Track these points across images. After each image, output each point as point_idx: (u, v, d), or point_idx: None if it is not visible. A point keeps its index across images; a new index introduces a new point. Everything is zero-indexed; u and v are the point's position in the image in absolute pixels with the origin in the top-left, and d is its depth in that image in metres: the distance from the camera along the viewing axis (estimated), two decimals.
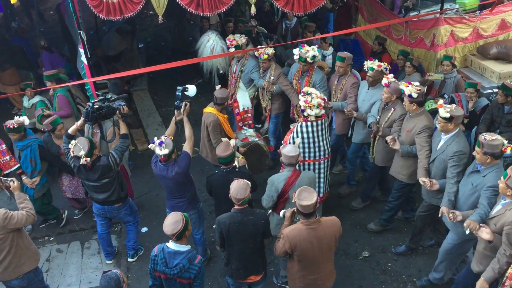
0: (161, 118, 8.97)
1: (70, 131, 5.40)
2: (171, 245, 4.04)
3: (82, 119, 5.43)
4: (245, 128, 6.64)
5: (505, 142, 4.41)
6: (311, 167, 5.75)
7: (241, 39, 6.92)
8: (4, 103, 9.41)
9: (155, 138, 4.99)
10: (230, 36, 7.00)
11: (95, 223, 6.59)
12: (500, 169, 4.40)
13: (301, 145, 5.61)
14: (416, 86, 5.26)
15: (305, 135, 5.62)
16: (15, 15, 11.93)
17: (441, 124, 4.90)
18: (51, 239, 6.53)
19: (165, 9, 6.21)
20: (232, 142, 5.54)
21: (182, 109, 5.32)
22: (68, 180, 6.39)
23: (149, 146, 5.03)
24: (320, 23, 10.19)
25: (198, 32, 9.71)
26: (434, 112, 6.99)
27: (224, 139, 5.48)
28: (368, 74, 6.08)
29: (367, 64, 6.08)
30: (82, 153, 5.04)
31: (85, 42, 6.26)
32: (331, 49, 8.28)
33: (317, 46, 6.64)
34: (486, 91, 7.01)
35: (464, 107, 6.50)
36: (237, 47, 6.88)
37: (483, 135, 4.46)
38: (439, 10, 7.48)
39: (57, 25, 10.46)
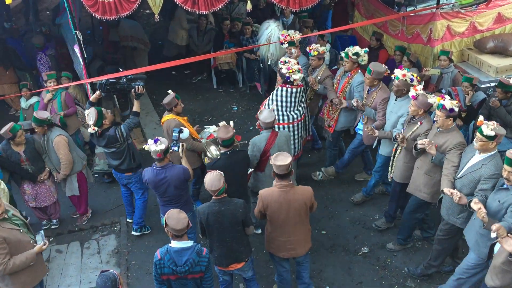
0: (159, 117, 8.96)
1: (91, 98, 5.94)
2: (175, 244, 4.04)
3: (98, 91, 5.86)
4: (206, 126, 6.58)
5: None
6: (286, 129, 6.15)
7: (295, 35, 6.79)
8: (2, 104, 9.40)
9: (149, 140, 5.05)
10: (284, 32, 6.88)
11: (94, 223, 6.67)
12: None
13: (275, 108, 6.09)
14: (452, 100, 4.91)
15: (279, 99, 6.09)
16: (12, 15, 11.87)
17: (481, 143, 4.50)
18: (50, 239, 6.51)
19: (161, 7, 6.20)
20: (231, 123, 5.72)
21: (180, 151, 5.34)
22: (30, 188, 6.22)
23: (144, 147, 5.14)
24: (318, 20, 10.18)
25: (195, 31, 9.72)
26: None
27: (222, 123, 5.61)
28: (393, 83, 5.73)
29: (396, 72, 5.70)
30: (91, 122, 5.59)
31: (81, 42, 6.26)
32: (328, 46, 8.25)
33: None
34: (483, 85, 7.00)
35: (462, 101, 6.49)
36: (291, 43, 6.75)
37: (510, 151, 4.12)
38: (435, 5, 7.46)
39: (53, 26, 10.39)
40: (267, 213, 4.63)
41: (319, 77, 6.73)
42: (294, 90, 6.09)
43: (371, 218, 6.47)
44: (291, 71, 5.99)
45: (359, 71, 6.46)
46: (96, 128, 5.64)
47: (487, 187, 4.55)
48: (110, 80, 5.68)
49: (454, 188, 4.77)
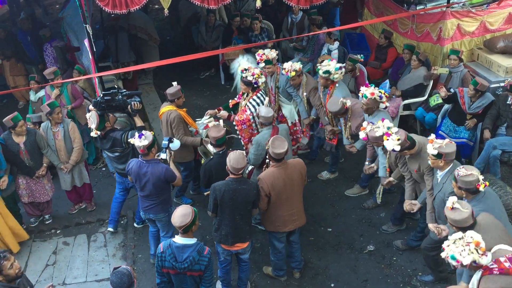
0: None
1: (90, 107, 5.84)
2: (178, 239, 4.07)
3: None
4: (198, 119, 6.57)
5: (481, 178, 4.18)
6: None
7: (271, 54, 6.57)
8: (13, 96, 9.45)
9: (135, 133, 5.08)
10: (260, 51, 6.66)
11: (101, 216, 6.70)
12: (480, 203, 4.18)
13: (252, 118, 6.11)
14: (396, 135, 4.82)
15: (259, 105, 6.07)
16: (21, 9, 11.90)
17: (431, 161, 4.61)
18: (57, 232, 6.57)
19: (170, 2, 6.22)
20: (221, 122, 5.83)
21: (168, 158, 5.33)
22: (25, 183, 6.24)
23: (129, 140, 5.22)
24: (326, 18, 10.15)
25: (204, 26, 9.73)
26: (440, 107, 7.01)
27: (212, 123, 5.72)
28: (362, 102, 5.70)
29: (362, 90, 5.67)
30: (93, 126, 5.57)
31: (91, 37, 6.28)
32: (336, 44, 8.23)
33: (340, 64, 6.27)
34: (492, 85, 6.97)
35: (466, 104, 6.46)
36: (267, 61, 6.54)
37: (458, 169, 4.24)
38: (445, 4, 7.41)
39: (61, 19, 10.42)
40: (273, 193, 4.88)
41: (305, 93, 6.60)
42: (261, 92, 6.26)
43: (377, 216, 6.46)
44: (256, 75, 6.08)
45: (337, 85, 6.29)
46: (98, 132, 5.62)
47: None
48: (105, 98, 5.57)
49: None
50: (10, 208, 6.20)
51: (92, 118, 5.58)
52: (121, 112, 5.91)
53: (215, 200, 4.74)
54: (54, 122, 6.21)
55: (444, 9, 7.34)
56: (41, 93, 7.49)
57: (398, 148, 4.82)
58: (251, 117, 6.11)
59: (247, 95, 6.29)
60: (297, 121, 6.90)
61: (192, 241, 4.07)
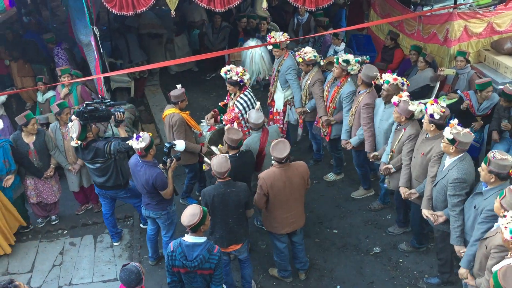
0: None
1: (72, 117, 5.67)
2: (188, 238, 4.10)
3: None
4: (202, 120, 6.67)
5: None
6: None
7: (281, 38, 6.66)
8: (20, 98, 9.49)
9: (134, 135, 5.09)
10: (272, 33, 6.81)
11: None
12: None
13: (240, 116, 6.16)
14: (442, 107, 4.79)
15: (248, 103, 6.16)
16: (29, 11, 11.98)
17: (444, 144, 4.53)
18: (64, 232, 6.61)
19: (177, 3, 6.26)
20: (235, 125, 5.86)
21: (167, 165, 5.29)
22: (33, 183, 6.29)
23: (127, 142, 5.20)
24: (332, 19, 10.14)
25: (210, 28, 9.75)
26: None
27: (227, 127, 5.70)
28: (383, 88, 5.61)
29: (384, 77, 5.63)
30: (74, 135, 5.41)
31: (98, 38, 6.30)
32: (343, 45, 8.23)
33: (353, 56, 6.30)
34: (499, 87, 6.92)
35: (474, 105, 6.43)
36: (275, 45, 6.66)
37: (492, 152, 4.13)
38: (452, 5, 7.39)
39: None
40: (272, 193, 4.90)
41: (309, 82, 6.64)
42: (249, 90, 6.28)
43: (383, 218, 6.44)
44: (241, 73, 6.10)
45: (349, 79, 6.28)
46: (79, 142, 5.44)
47: (451, 192, 4.52)
48: (88, 108, 5.50)
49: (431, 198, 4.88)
50: (18, 210, 6.26)
51: (74, 127, 5.43)
52: (105, 121, 5.83)
53: (206, 205, 4.72)
54: (63, 122, 6.25)
55: (451, 10, 7.32)
56: (49, 94, 7.53)
57: (438, 116, 4.74)
58: (239, 115, 6.16)
59: (234, 95, 6.33)
60: (281, 111, 7.02)
61: (201, 239, 4.10)
